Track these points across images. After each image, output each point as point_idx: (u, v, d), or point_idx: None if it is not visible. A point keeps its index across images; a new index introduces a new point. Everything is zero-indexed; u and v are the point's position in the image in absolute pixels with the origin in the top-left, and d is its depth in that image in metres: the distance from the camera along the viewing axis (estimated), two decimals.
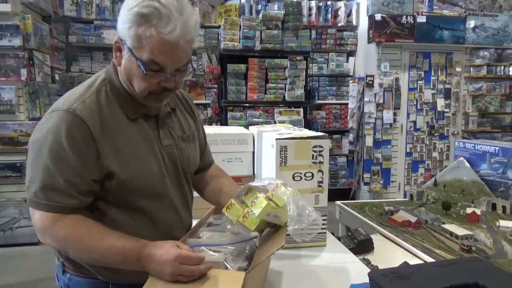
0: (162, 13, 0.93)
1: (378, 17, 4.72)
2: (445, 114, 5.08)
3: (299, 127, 2.65)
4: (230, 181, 1.34)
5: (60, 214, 0.97)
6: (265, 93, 4.42)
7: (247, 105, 4.44)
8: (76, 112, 0.97)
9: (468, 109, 5.08)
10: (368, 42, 4.96)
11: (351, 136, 4.95)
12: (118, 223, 1.04)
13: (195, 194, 1.32)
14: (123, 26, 0.96)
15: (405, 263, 1.49)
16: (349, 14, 5.62)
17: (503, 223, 1.95)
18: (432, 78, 5.01)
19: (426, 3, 5.01)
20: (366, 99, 4.65)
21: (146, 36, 0.94)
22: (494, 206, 2.21)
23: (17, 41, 3.63)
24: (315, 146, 1.44)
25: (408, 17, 4.76)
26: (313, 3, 5.52)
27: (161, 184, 1.10)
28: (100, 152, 0.99)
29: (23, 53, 3.68)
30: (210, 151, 1.42)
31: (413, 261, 1.57)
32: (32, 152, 0.99)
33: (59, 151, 0.96)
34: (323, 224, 1.50)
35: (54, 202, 0.96)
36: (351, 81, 5.02)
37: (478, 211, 2.08)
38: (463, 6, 5.07)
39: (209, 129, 2.10)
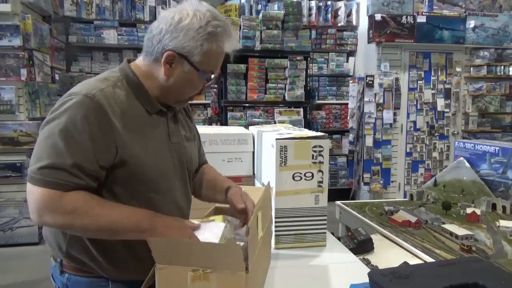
0: (227, 31, 1.07)
1: (378, 17, 4.72)
2: (445, 114, 5.08)
3: (299, 127, 2.66)
4: (221, 178, 1.37)
5: (64, 191, 0.96)
6: (265, 93, 4.42)
7: (247, 105, 4.44)
8: (96, 97, 0.99)
9: (468, 109, 5.08)
10: (368, 42, 4.97)
11: (351, 136, 4.95)
12: None
13: None
14: (194, 44, 1.03)
15: (405, 263, 1.49)
16: (349, 14, 5.62)
17: (503, 223, 1.95)
18: (432, 78, 5.01)
19: (426, 3, 5.01)
20: (366, 99, 4.65)
21: (216, 52, 1.07)
22: (494, 206, 2.21)
23: (17, 41, 3.63)
24: (315, 146, 1.44)
25: (408, 17, 4.76)
26: (313, 3, 5.52)
27: (168, 179, 1.13)
28: (116, 138, 1.00)
29: (23, 53, 3.68)
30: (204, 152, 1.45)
31: (413, 261, 1.57)
32: (45, 131, 0.99)
33: (72, 132, 0.96)
34: (323, 224, 1.50)
35: (59, 180, 0.95)
36: (351, 81, 5.02)
37: (478, 211, 2.08)
38: (463, 6, 5.08)
39: (209, 129, 2.10)
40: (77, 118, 0.97)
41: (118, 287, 1.10)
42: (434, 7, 4.99)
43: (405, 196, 3.09)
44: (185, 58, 1.04)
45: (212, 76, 1.11)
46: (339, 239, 1.69)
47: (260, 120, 4.33)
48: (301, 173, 1.44)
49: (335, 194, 2.56)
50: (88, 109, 0.98)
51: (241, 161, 1.93)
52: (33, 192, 0.96)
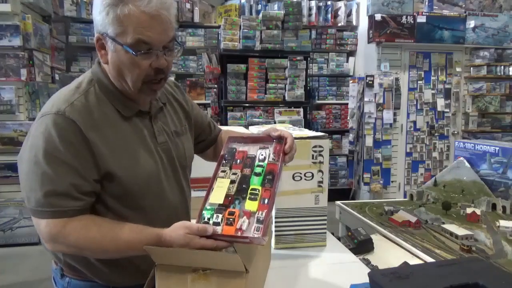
0: None
1: (378, 17, 4.72)
2: (445, 114, 5.08)
3: (299, 127, 2.65)
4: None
5: (67, 218, 0.94)
6: (265, 93, 4.42)
7: (247, 105, 4.44)
8: (66, 114, 0.95)
9: (468, 109, 5.08)
10: (368, 42, 4.96)
11: (351, 136, 4.95)
12: None
13: (193, 194, 1.30)
14: (101, 16, 0.95)
15: (405, 263, 1.49)
16: (349, 14, 5.62)
17: (503, 223, 1.95)
18: (432, 78, 5.01)
19: (426, 3, 5.00)
20: (366, 99, 4.65)
21: (126, 15, 0.92)
22: (494, 206, 2.21)
23: (17, 41, 3.63)
24: (315, 146, 1.44)
25: (408, 17, 4.76)
26: (313, 3, 5.52)
27: (157, 182, 1.09)
28: (95, 152, 0.97)
29: (23, 53, 3.68)
30: (214, 122, 1.42)
31: (413, 261, 1.57)
32: (27, 161, 0.96)
33: (55, 154, 0.93)
34: (323, 224, 1.50)
35: (59, 207, 0.94)
36: (351, 81, 5.02)
37: (478, 211, 2.08)
38: (463, 6, 5.07)
39: None
40: (54, 139, 0.93)
41: None
42: (434, 7, 4.98)
43: (405, 196, 3.08)
44: (106, 35, 0.96)
45: (147, 48, 0.96)
46: (339, 239, 1.69)
47: (260, 120, 4.33)
48: (301, 173, 1.44)
49: (335, 194, 2.56)
50: (61, 128, 0.94)
51: None
52: (40, 225, 0.95)
